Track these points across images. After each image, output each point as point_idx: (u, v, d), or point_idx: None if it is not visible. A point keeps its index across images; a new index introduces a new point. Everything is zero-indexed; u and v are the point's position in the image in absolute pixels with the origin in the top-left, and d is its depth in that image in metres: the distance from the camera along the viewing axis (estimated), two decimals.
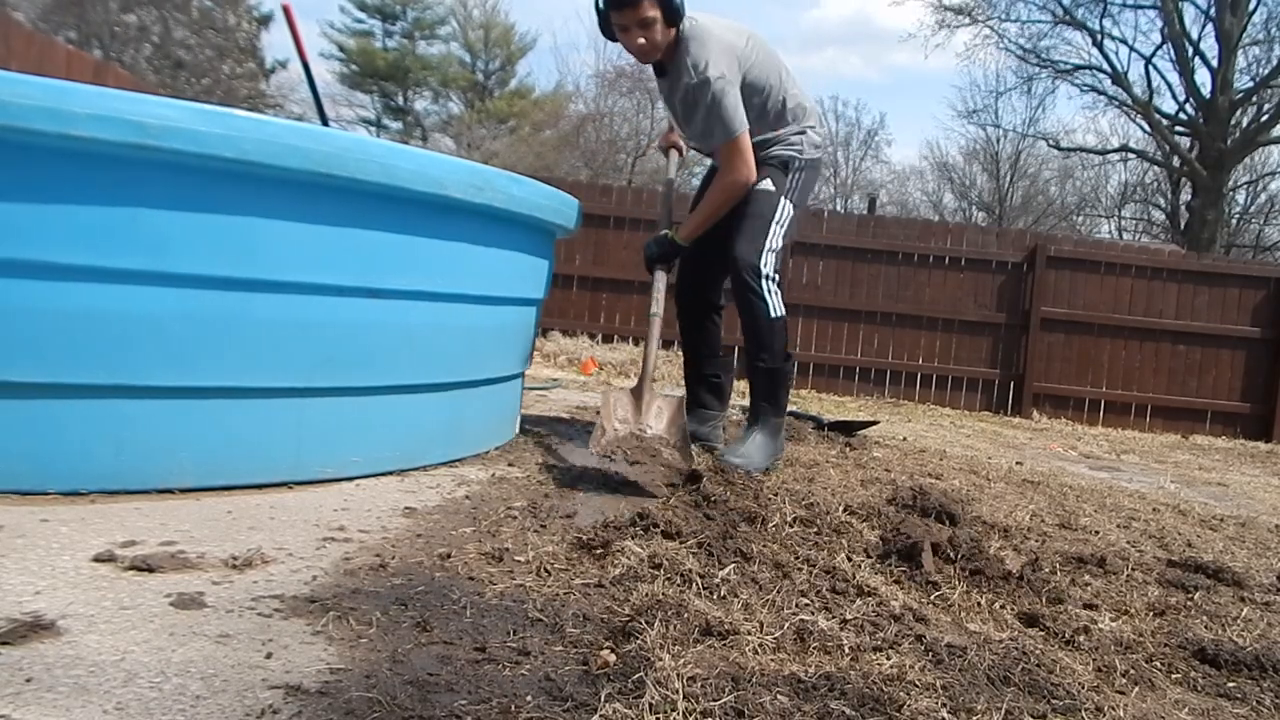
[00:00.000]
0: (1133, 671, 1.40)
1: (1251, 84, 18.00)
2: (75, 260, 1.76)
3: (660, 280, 2.83)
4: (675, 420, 2.51)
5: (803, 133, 2.92)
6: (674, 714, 1.06)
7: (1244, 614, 1.77)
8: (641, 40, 2.65)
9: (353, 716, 1.02)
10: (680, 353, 8.21)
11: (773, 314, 2.75)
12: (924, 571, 1.74)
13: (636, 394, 2.58)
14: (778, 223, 2.80)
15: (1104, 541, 2.35)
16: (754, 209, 2.80)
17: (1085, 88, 20.27)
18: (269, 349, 1.99)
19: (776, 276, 2.78)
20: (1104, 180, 27.19)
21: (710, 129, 2.71)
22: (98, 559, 1.44)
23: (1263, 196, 24.37)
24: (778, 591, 1.53)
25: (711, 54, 2.63)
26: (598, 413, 2.59)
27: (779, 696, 1.13)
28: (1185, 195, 20.60)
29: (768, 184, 2.83)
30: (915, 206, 30.47)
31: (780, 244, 2.81)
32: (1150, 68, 19.32)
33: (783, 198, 2.83)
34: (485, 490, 2.21)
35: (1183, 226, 19.48)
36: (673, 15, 2.65)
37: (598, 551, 1.68)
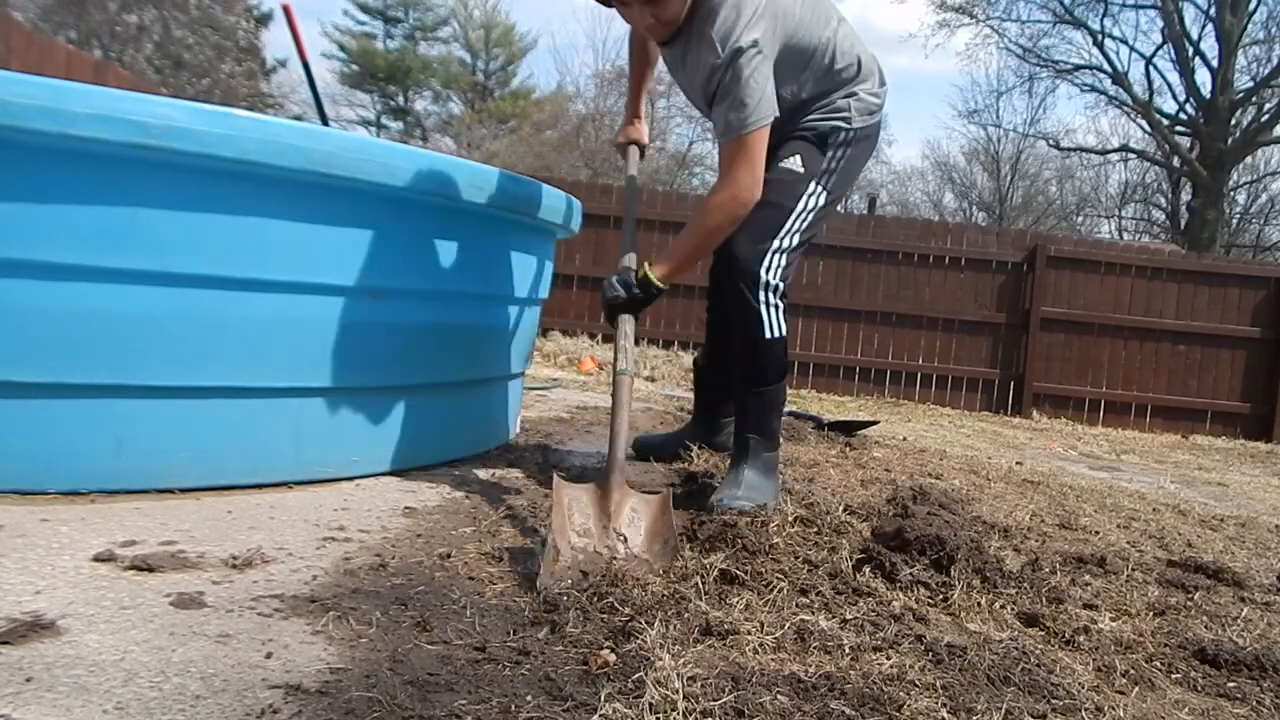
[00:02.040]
0: (1133, 671, 1.40)
1: (1252, 84, 18.01)
2: (75, 260, 1.76)
3: (628, 326, 2.07)
4: (659, 530, 1.71)
5: (853, 94, 2.25)
6: (674, 714, 1.06)
7: (1244, 614, 1.77)
8: (650, 20, 2.05)
9: (353, 716, 1.02)
10: (679, 353, 8.12)
11: (769, 334, 2.16)
12: (925, 573, 1.73)
13: (602, 491, 1.77)
14: (798, 215, 2.17)
15: (1104, 541, 2.35)
16: (771, 193, 2.11)
17: (1085, 87, 20.31)
18: (269, 348, 1.99)
19: (781, 286, 2.17)
20: (1104, 180, 27.25)
21: (720, 118, 2.04)
22: (98, 559, 1.44)
23: (1263, 196, 24.42)
24: (778, 591, 1.53)
25: (744, 16, 1.98)
26: (548, 514, 1.74)
27: (779, 696, 1.13)
28: (1185, 195, 20.61)
29: (794, 162, 2.19)
30: (916, 206, 30.51)
31: (795, 243, 2.19)
32: (1150, 67, 19.36)
33: (813, 182, 2.19)
34: (485, 490, 2.21)
35: (1183, 226, 19.49)
36: None
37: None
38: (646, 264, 2.10)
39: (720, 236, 2.09)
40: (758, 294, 2.15)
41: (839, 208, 2.52)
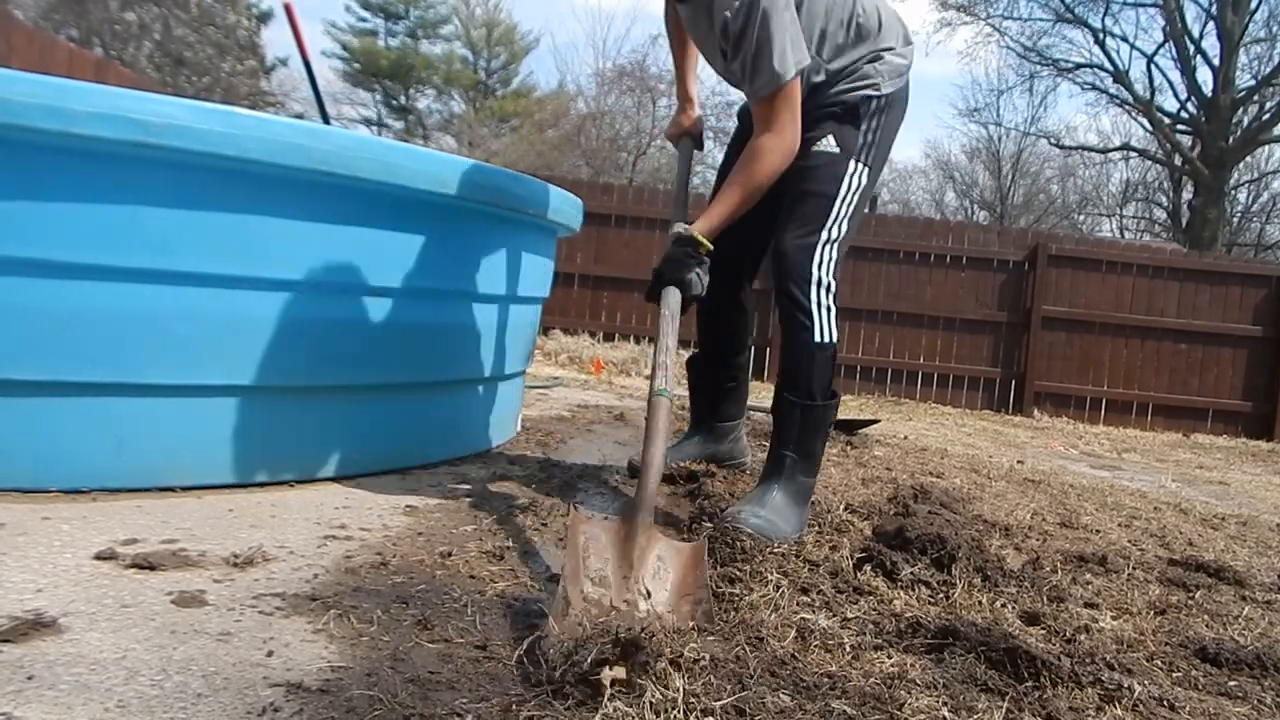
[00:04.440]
0: (1133, 670, 1.40)
1: (1253, 82, 17.99)
2: (77, 258, 1.76)
3: (669, 339, 1.82)
4: (687, 587, 1.43)
5: (879, 57, 2.06)
6: (675, 713, 1.06)
7: (1245, 613, 1.77)
8: None
9: (354, 714, 1.02)
10: (680, 352, 8.16)
11: (819, 338, 1.98)
12: (926, 572, 1.73)
13: (626, 532, 1.49)
14: (844, 200, 2.01)
15: (1105, 540, 2.35)
16: (811, 181, 2.00)
17: (1087, 86, 20.28)
18: (270, 347, 1.99)
19: (834, 284, 2.02)
20: (1105, 179, 27.23)
21: (753, 69, 1.88)
22: (99, 557, 1.44)
23: (1264, 195, 24.39)
24: (778, 591, 1.53)
25: None
26: (563, 551, 1.51)
27: (780, 695, 1.13)
28: (1187, 194, 20.59)
29: (829, 142, 2.02)
30: (917, 205, 30.51)
31: (844, 231, 2.03)
32: (1152, 66, 19.33)
33: (852, 160, 2.02)
34: (486, 488, 2.21)
35: (1184, 225, 19.46)
36: None
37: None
38: (686, 227, 1.96)
39: (765, 186, 1.95)
40: (809, 293, 1.98)
41: None
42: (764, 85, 1.88)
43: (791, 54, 1.86)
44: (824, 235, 1.99)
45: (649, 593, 1.40)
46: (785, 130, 1.91)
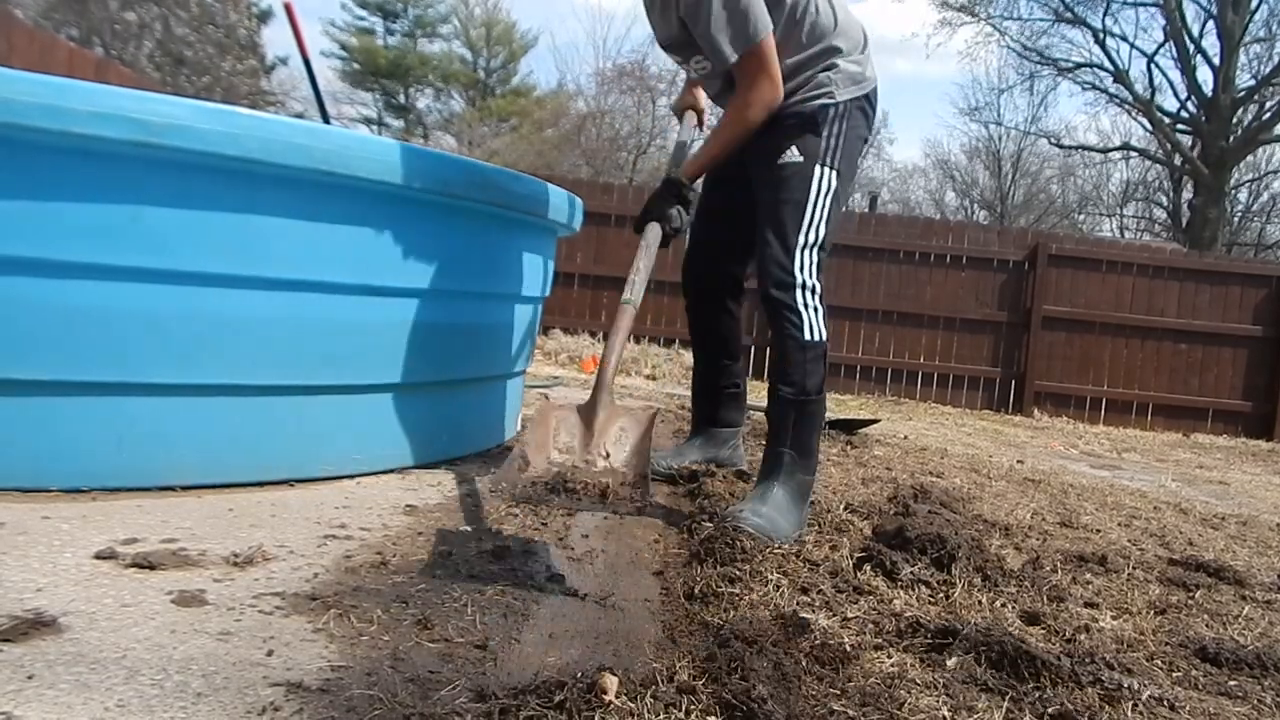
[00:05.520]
0: (1133, 670, 1.40)
1: (1253, 82, 18.00)
2: (77, 258, 1.76)
3: (643, 260, 2.01)
4: (641, 450, 1.71)
5: (832, 65, 2.13)
6: (676, 713, 1.06)
7: (1245, 612, 1.77)
8: None
9: (354, 714, 1.02)
10: (680, 351, 8.06)
11: (809, 336, 2.03)
12: (926, 571, 1.73)
13: (590, 411, 1.77)
14: (815, 204, 2.08)
15: (1105, 540, 2.35)
16: (782, 190, 2.08)
17: (1087, 85, 20.30)
18: (270, 346, 1.99)
19: (817, 285, 2.07)
20: (1106, 178, 27.24)
21: (715, 41, 1.99)
22: (99, 556, 1.44)
23: (1264, 195, 24.40)
24: (779, 590, 1.53)
25: None
26: (529, 428, 1.79)
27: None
28: (1187, 194, 20.60)
29: (791, 153, 2.09)
30: (917, 205, 30.52)
31: (823, 234, 2.09)
32: (1152, 65, 19.34)
33: (817, 165, 2.09)
34: (487, 488, 2.21)
35: (1184, 225, 19.47)
36: None
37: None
38: (674, 169, 2.18)
39: (749, 135, 2.10)
40: (794, 297, 2.04)
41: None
42: (730, 50, 2.01)
43: (761, 17, 1.99)
44: (801, 240, 2.06)
45: (609, 454, 1.70)
46: (763, 88, 2.05)
